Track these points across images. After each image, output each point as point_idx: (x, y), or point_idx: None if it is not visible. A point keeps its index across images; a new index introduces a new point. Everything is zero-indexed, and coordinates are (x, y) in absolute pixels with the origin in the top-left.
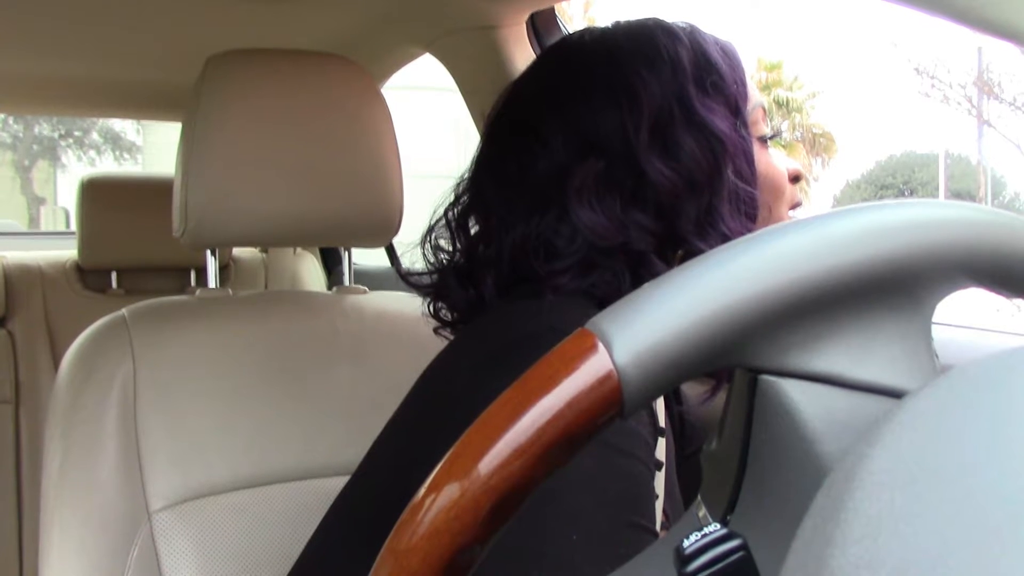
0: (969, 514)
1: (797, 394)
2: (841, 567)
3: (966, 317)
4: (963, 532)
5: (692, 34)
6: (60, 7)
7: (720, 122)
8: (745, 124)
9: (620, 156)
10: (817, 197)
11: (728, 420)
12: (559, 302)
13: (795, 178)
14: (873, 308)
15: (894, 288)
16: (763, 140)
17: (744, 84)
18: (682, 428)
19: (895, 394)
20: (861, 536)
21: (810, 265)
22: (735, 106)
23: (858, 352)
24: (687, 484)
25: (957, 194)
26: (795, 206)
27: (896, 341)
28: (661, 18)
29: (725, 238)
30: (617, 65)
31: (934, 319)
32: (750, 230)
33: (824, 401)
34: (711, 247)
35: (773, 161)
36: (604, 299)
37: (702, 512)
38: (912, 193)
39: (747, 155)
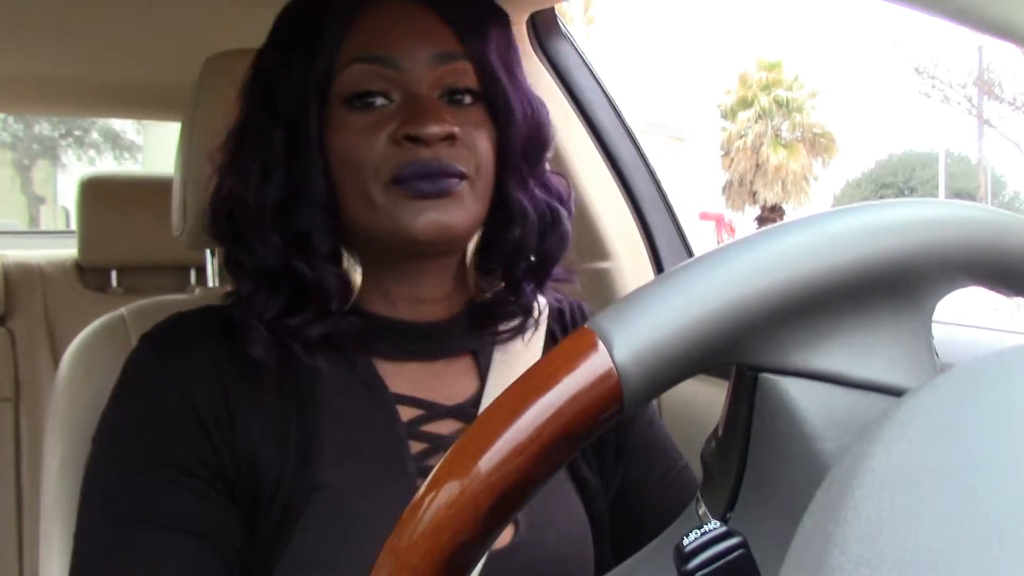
0: (969, 512)
1: (797, 392)
2: (841, 565)
3: (966, 316)
4: (963, 530)
5: None
6: (60, 7)
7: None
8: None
9: None
10: (817, 196)
11: (728, 418)
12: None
13: (411, 138)
14: (873, 307)
15: (894, 287)
16: (350, 103)
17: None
18: None
19: (895, 392)
20: (861, 534)
21: (810, 264)
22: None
23: (858, 350)
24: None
25: (957, 193)
26: (412, 175)
27: (896, 340)
28: None
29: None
30: None
31: (934, 318)
32: (346, 224)
33: (824, 399)
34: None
35: (353, 131)
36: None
37: (702, 510)
38: (912, 192)
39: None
